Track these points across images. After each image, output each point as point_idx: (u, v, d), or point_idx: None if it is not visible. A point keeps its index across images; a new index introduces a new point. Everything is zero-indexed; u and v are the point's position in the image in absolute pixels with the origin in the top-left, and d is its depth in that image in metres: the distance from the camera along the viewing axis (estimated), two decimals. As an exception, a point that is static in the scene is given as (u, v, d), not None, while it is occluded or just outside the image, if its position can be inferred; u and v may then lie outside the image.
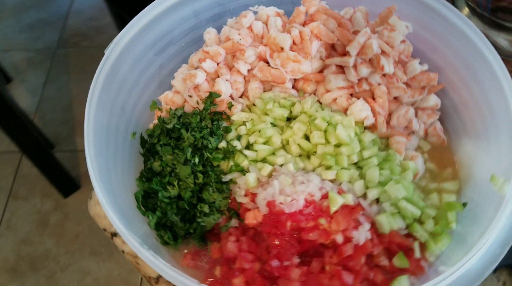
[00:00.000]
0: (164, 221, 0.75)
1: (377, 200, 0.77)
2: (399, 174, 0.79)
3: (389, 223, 0.72)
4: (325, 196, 0.72)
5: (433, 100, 0.87)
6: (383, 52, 0.83)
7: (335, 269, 0.69)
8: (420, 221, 0.76)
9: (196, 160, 0.76)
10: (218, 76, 0.86)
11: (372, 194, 0.75)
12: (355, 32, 0.85)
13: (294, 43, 0.86)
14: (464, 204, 0.76)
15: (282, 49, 0.85)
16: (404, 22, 0.84)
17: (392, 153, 0.81)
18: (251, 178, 0.75)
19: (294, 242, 0.71)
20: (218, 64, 0.86)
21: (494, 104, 0.74)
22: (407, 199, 0.75)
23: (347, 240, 0.70)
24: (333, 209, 0.69)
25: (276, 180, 0.71)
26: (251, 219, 0.72)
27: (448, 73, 0.85)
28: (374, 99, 0.87)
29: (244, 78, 0.88)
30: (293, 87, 0.89)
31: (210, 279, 0.71)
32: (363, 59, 0.84)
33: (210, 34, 0.89)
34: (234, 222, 0.75)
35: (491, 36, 0.99)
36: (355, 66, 0.85)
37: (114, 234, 0.88)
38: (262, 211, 0.72)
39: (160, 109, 0.87)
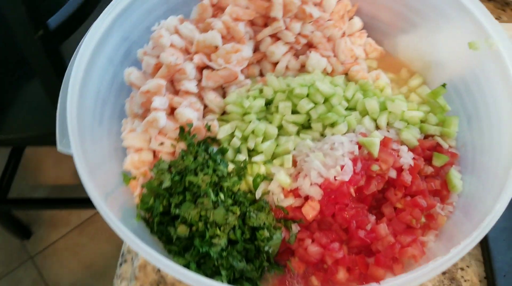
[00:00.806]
0: (232, 274, 0.65)
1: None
2: (382, 95, 0.82)
3: (412, 135, 0.75)
4: (358, 147, 0.71)
5: (357, 22, 0.91)
6: (302, 1, 0.83)
7: (407, 202, 0.69)
8: (423, 121, 0.81)
9: (222, 196, 0.67)
10: (174, 109, 0.76)
11: (383, 120, 0.76)
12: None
13: (221, 37, 0.80)
14: (444, 85, 0.83)
15: (216, 47, 0.78)
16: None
17: (363, 82, 0.83)
18: (282, 177, 0.69)
19: (359, 204, 0.69)
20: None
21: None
22: (408, 108, 0.78)
23: (399, 170, 0.70)
24: (376, 151, 0.68)
25: (315, 160, 0.67)
26: (311, 211, 0.67)
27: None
28: (314, 47, 0.87)
29: (194, 95, 0.79)
30: (241, 79, 0.83)
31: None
32: (289, 17, 0.83)
33: (133, 73, 0.77)
34: (295, 228, 0.69)
35: None
36: (287, 28, 0.83)
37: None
38: (316, 197, 0.67)
39: (134, 178, 0.74)
